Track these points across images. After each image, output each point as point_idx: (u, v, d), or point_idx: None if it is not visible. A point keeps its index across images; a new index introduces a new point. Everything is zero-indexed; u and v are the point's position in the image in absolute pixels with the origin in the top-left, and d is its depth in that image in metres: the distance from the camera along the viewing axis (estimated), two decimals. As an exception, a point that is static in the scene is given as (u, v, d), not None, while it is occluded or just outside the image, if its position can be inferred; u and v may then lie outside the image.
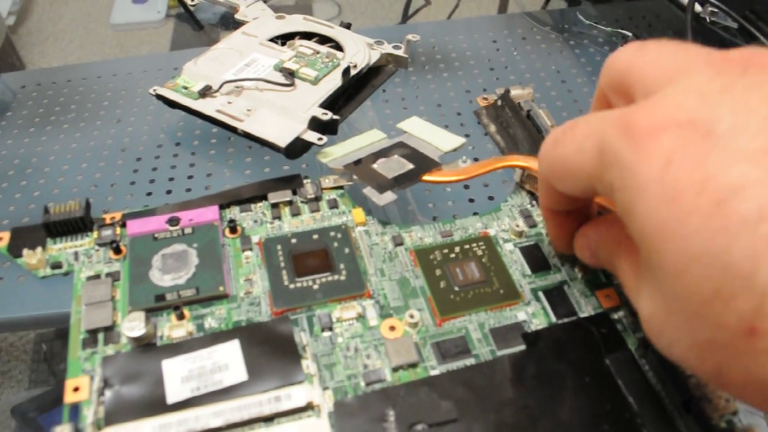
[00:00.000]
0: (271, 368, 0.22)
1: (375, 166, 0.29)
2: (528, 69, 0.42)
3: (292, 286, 0.25)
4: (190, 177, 0.34)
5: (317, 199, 0.29)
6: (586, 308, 0.24)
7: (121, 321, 0.24)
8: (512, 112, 0.34)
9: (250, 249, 0.27)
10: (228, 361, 0.22)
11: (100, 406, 0.21)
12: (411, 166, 0.29)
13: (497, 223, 0.28)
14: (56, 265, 0.26)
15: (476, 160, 0.29)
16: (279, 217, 0.28)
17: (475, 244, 0.27)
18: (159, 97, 0.34)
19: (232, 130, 0.32)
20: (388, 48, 0.39)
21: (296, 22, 0.40)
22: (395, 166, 0.29)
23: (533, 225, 0.28)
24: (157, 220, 0.27)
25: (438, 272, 0.26)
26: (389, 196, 0.28)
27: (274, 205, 0.28)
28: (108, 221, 0.28)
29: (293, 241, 0.27)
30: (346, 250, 0.26)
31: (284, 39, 0.39)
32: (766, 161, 0.14)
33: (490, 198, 0.32)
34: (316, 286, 0.25)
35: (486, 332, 0.24)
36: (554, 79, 0.41)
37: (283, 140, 0.31)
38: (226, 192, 0.29)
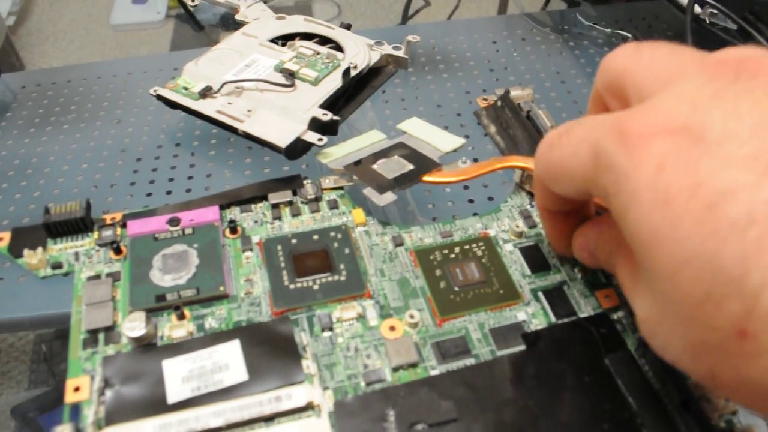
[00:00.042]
0: (272, 368, 0.22)
1: (375, 166, 0.29)
2: (528, 70, 0.42)
3: (292, 286, 0.25)
4: (190, 177, 0.34)
5: (317, 199, 0.29)
6: (585, 308, 0.25)
7: (121, 321, 0.24)
8: (512, 113, 0.34)
9: (251, 249, 0.27)
10: (228, 361, 0.22)
11: (100, 405, 0.21)
12: (411, 166, 0.29)
13: (497, 223, 0.28)
14: (57, 266, 0.26)
15: (476, 160, 0.29)
16: (279, 218, 0.28)
17: (475, 245, 0.27)
18: (159, 97, 0.34)
19: (233, 130, 0.32)
20: (388, 49, 0.39)
21: (296, 23, 0.40)
22: (395, 166, 0.29)
23: (533, 225, 0.28)
24: (157, 220, 0.27)
25: (438, 272, 0.26)
26: (389, 197, 0.28)
27: (275, 206, 0.28)
28: (108, 222, 0.28)
29: (293, 241, 0.27)
30: (347, 251, 0.26)
31: (284, 40, 0.39)
32: (756, 166, 0.14)
33: (490, 199, 0.32)
34: (316, 287, 0.25)
35: (486, 332, 0.24)
36: (554, 80, 0.41)
37: (283, 141, 0.31)
38: (227, 192, 0.29)
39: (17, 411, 0.47)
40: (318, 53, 0.36)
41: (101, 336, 0.23)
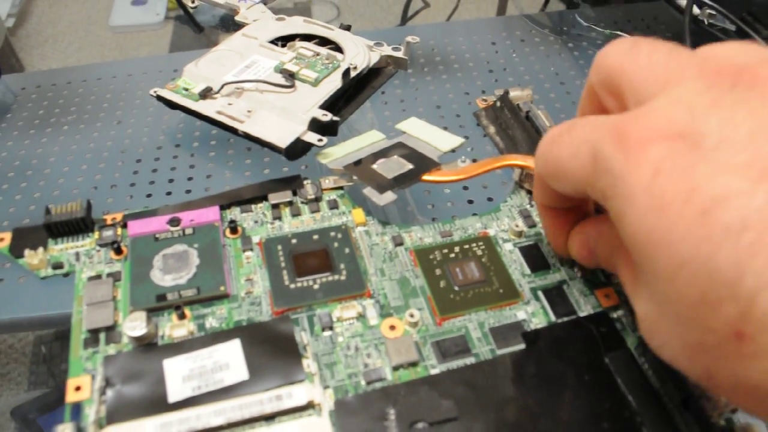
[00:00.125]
0: (272, 367, 0.22)
1: (375, 166, 0.30)
2: (527, 71, 0.42)
3: (292, 285, 0.25)
4: (189, 178, 0.34)
5: (317, 199, 0.29)
6: (585, 307, 0.25)
7: (122, 321, 0.24)
8: (511, 114, 0.34)
9: (251, 249, 0.27)
10: (229, 361, 0.22)
11: (101, 405, 0.21)
12: (410, 166, 0.29)
13: (497, 223, 0.28)
14: (57, 266, 0.26)
15: (475, 161, 0.29)
16: (279, 218, 0.28)
17: (474, 244, 0.27)
18: (160, 98, 0.34)
19: (233, 131, 0.32)
20: (387, 50, 0.39)
21: (296, 24, 0.40)
22: (395, 166, 0.29)
23: (532, 225, 0.28)
24: (158, 220, 0.27)
25: (438, 272, 0.26)
26: (389, 196, 0.28)
27: (275, 206, 0.28)
28: (109, 222, 0.28)
29: (294, 241, 0.27)
30: (347, 250, 0.26)
31: (284, 41, 0.39)
32: (750, 174, 0.14)
33: (489, 199, 0.32)
34: (316, 286, 0.25)
35: (486, 331, 0.24)
36: (553, 81, 0.41)
37: (283, 141, 0.31)
38: (227, 193, 0.29)
39: (17, 412, 0.47)
40: (318, 54, 0.37)
41: (102, 335, 0.23)
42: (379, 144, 0.31)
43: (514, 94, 0.35)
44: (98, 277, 0.25)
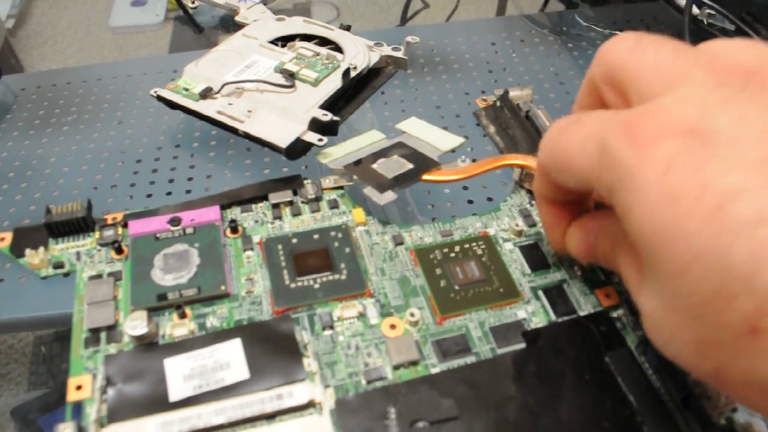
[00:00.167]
0: (273, 366, 0.22)
1: (375, 166, 0.30)
2: (526, 71, 0.42)
3: (293, 285, 0.25)
4: (190, 179, 0.34)
5: (318, 199, 0.29)
6: (585, 306, 0.25)
7: (123, 320, 0.24)
8: (511, 113, 0.34)
9: (252, 249, 0.27)
10: (230, 360, 0.22)
11: (102, 404, 0.21)
12: (410, 165, 0.29)
13: (497, 222, 0.28)
14: (58, 265, 0.26)
15: (475, 161, 0.29)
16: (280, 217, 0.28)
17: (474, 244, 0.27)
18: (160, 98, 0.34)
19: (233, 131, 0.32)
20: (387, 50, 0.39)
21: (296, 24, 0.40)
22: (395, 166, 0.29)
23: (532, 224, 0.28)
24: (158, 220, 0.27)
25: (438, 271, 0.26)
26: (389, 196, 0.28)
27: (275, 206, 0.29)
28: (110, 221, 0.28)
29: (294, 240, 0.27)
30: (347, 250, 0.26)
31: (284, 41, 0.39)
32: (764, 170, 0.14)
33: (489, 199, 0.33)
34: (317, 286, 0.25)
35: (486, 330, 0.24)
36: (552, 81, 0.41)
37: (283, 141, 0.31)
38: (228, 192, 0.29)
39: (17, 412, 0.47)
40: (318, 54, 0.37)
41: (103, 335, 0.23)
42: (379, 144, 0.31)
43: (513, 94, 0.35)
44: (99, 276, 0.25)
